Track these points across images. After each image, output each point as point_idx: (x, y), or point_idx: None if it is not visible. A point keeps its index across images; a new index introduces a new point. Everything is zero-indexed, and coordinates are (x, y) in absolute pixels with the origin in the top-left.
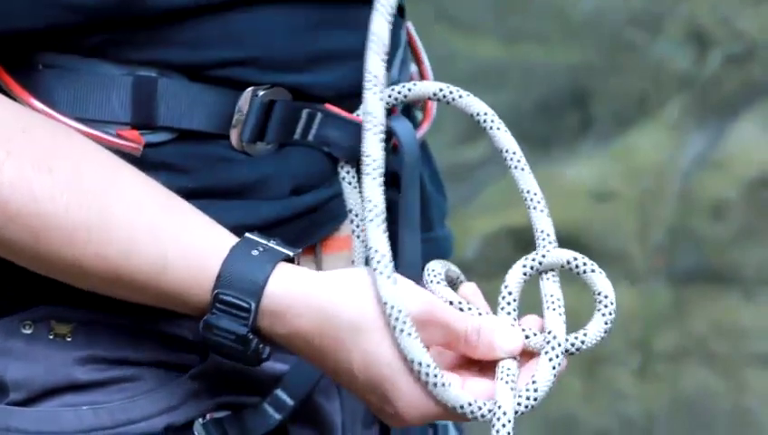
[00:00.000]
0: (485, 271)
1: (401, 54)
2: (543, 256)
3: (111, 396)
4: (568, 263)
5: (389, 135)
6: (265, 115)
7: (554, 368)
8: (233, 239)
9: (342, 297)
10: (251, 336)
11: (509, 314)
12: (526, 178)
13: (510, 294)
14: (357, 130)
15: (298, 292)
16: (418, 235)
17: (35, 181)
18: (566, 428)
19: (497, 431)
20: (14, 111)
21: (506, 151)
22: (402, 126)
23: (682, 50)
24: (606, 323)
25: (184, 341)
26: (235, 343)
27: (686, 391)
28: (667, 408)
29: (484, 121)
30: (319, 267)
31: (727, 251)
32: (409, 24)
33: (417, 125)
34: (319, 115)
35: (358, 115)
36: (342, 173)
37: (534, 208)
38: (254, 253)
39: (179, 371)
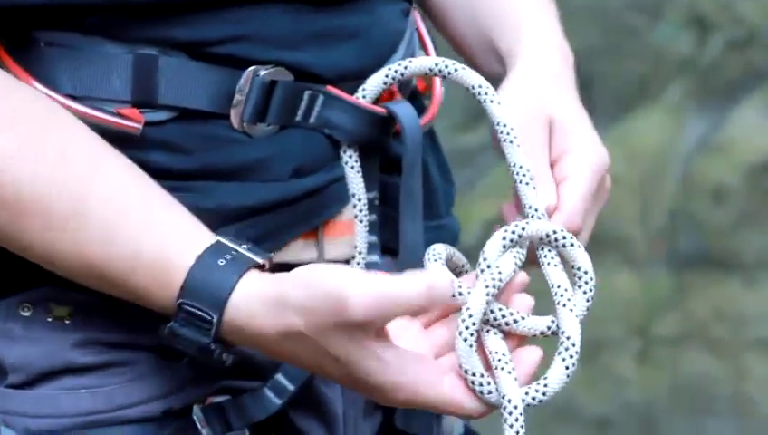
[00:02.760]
0: None
1: (407, 40)
2: (523, 228)
3: (110, 380)
4: (548, 236)
5: (392, 120)
6: (266, 96)
7: (568, 368)
8: (204, 242)
9: (296, 306)
10: (213, 347)
11: (488, 286)
12: (516, 152)
13: (489, 266)
14: (359, 113)
15: (261, 303)
16: (420, 220)
17: (19, 166)
18: (566, 413)
19: (510, 426)
20: (5, 88)
21: (498, 124)
22: (404, 110)
23: (683, 34)
24: (587, 301)
25: None
26: (197, 353)
27: (686, 377)
28: (667, 393)
29: (479, 94)
30: (320, 252)
31: (728, 236)
32: (416, 13)
33: (424, 112)
34: (321, 97)
35: (358, 98)
36: (345, 157)
37: (520, 182)
38: (221, 262)
39: (178, 355)
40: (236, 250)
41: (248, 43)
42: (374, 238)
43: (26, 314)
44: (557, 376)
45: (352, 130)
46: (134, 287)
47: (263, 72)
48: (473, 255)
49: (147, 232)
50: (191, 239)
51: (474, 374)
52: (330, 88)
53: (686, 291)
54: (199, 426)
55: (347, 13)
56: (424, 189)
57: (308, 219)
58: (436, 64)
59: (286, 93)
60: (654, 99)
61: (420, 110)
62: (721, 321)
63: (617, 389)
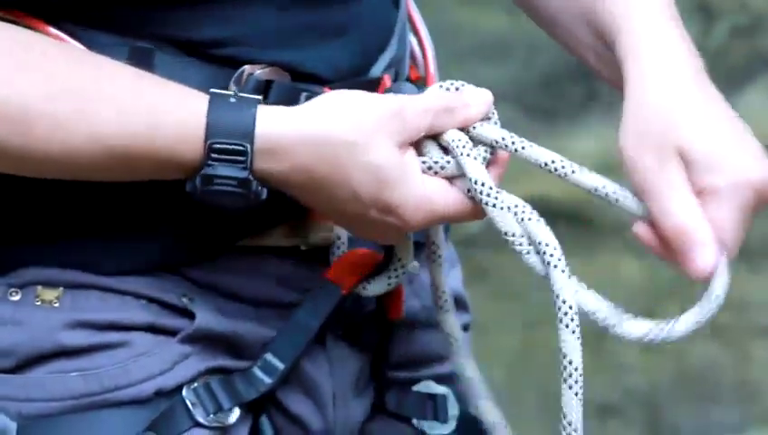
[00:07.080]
0: (490, 243)
1: (400, 28)
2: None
3: (100, 362)
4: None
5: None
6: (262, 96)
7: None
8: (207, 95)
9: (331, 119)
10: (251, 178)
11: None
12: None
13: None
14: None
15: (287, 127)
16: None
17: (14, 76)
18: None
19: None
20: None
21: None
22: (408, 92)
23: (688, 21)
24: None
25: (172, 306)
26: (237, 188)
27: (690, 364)
28: (671, 380)
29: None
30: (304, 238)
31: None
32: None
33: None
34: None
35: None
36: None
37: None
38: (232, 100)
39: (168, 335)
40: (235, 93)
41: (243, 44)
42: None
43: (15, 298)
44: None
45: None
46: (157, 154)
47: (257, 72)
48: (477, 241)
49: (154, 96)
50: (195, 93)
51: (513, 235)
52: (327, 89)
53: (690, 278)
54: (190, 406)
55: (337, 7)
56: None
57: (296, 210)
58: (503, 138)
59: (282, 94)
60: None
61: None
62: (725, 307)
63: (621, 375)
